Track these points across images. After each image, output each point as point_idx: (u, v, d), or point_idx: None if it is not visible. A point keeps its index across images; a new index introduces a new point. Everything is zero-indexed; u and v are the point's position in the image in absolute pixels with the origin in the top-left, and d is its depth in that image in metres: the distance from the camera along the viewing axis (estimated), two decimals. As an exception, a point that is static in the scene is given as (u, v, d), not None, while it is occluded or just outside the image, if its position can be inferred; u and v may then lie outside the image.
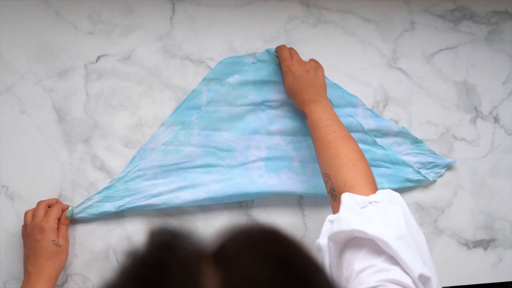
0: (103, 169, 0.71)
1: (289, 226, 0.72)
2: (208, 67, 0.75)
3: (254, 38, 0.77)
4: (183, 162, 0.71)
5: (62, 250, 0.63)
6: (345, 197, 0.51)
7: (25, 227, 0.65)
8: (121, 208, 0.69)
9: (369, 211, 0.48)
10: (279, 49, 0.72)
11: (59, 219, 0.65)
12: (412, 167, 0.73)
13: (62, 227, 0.65)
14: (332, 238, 0.48)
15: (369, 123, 0.74)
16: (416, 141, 0.74)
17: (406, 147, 0.74)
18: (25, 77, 0.73)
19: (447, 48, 0.80)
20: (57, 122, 0.72)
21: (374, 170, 0.72)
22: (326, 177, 0.58)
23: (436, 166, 0.73)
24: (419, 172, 0.73)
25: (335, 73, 0.77)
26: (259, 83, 0.73)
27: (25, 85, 0.73)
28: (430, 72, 0.79)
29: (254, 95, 0.73)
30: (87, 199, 0.69)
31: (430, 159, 0.74)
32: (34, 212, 0.65)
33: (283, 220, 0.72)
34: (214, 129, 0.72)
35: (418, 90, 0.78)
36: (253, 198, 0.72)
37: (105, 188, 0.70)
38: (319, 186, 0.71)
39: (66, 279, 0.69)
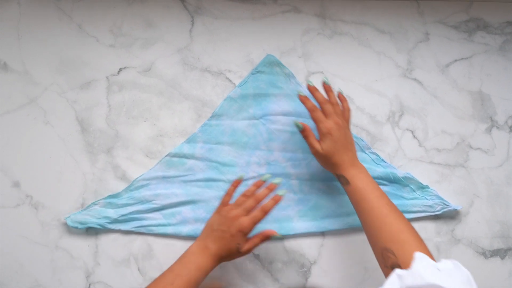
0: (124, 178, 0.73)
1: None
2: (227, 78, 0.77)
3: (271, 50, 0.79)
4: (186, 175, 0.73)
5: (237, 255, 0.63)
6: (419, 255, 0.51)
7: (231, 206, 0.64)
8: (123, 217, 0.70)
9: (442, 273, 0.48)
10: (314, 112, 0.67)
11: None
12: (409, 186, 0.74)
13: (256, 238, 0.64)
14: None
15: (375, 170, 0.74)
16: (421, 187, 0.74)
17: (413, 193, 0.74)
18: (48, 89, 0.75)
19: (462, 59, 0.81)
20: (80, 133, 0.74)
21: None
22: (388, 252, 0.55)
23: (443, 208, 0.73)
24: (414, 191, 0.74)
25: (351, 84, 0.78)
26: (258, 96, 0.75)
27: (48, 97, 0.75)
28: (445, 82, 0.80)
29: (254, 109, 0.74)
30: (92, 203, 0.71)
31: (437, 202, 0.74)
32: (246, 204, 0.63)
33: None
34: (217, 143, 0.73)
35: (433, 100, 0.79)
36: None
37: (110, 195, 0.71)
38: (315, 206, 0.72)
39: (89, 287, 0.70)
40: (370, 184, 0.61)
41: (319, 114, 0.66)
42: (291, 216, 0.72)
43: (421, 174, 0.75)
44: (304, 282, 0.71)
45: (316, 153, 0.66)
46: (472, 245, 0.74)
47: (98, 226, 0.70)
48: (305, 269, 0.72)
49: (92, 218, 0.70)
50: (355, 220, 0.72)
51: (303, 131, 0.67)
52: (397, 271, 0.49)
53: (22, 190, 0.72)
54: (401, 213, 0.59)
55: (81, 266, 0.70)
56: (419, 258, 0.50)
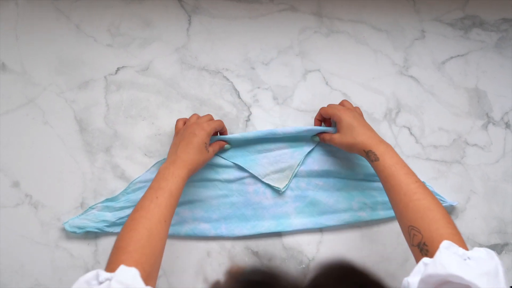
0: (123, 177, 0.73)
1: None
2: (224, 77, 0.77)
3: (269, 48, 0.79)
4: None
5: (207, 156, 0.66)
6: (446, 244, 0.50)
7: (186, 122, 0.69)
8: (121, 220, 0.70)
9: (469, 262, 0.47)
10: (322, 109, 0.72)
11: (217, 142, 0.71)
12: None
13: (216, 143, 0.70)
14: (425, 280, 0.47)
15: (370, 168, 0.73)
16: None
17: None
18: (47, 89, 0.76)
19: (458, 56, 0.81)
20: (79, 132, 0.74)
21: (367, 184, 0.74)
22: (413, 230, 0.54)
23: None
24: None
25: (348, 82, 0.79)
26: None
27: (47, 97, 0.75)
28: (441, 79, 0.80)
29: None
30: (90, 207, 0.71)
31: None
32: (200, 116, 0.70)
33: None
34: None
35: (430, 97, 0.79)
36: (248, 232, 0.72)
37: (107, 199, 0.72)
38: (312, 202, 0.73)
39: (89, 285, 0.70)
40: (400, 161, 0.61)
41: (331, 108, 0.70)
42: (288, 213, 0.73)
43: (418, 170, 0.74)
44: (302, 278, 0.72)
45: (338, 140, 0.67)
46: (469, 241, 0.75)
47: (97, 230, 0.70)
48: (303, 265, 0.72)
49: (90, 222, 0.70)
50: (352, 216, 0.72)
51: (321, 138, 0.72)
52: (424, 259, 0.49)
53: (22, 190, 0.72)
54: (430, 191, 0.58)
55: (81, 265, 0.71)
56: (446, 246, 0.49)
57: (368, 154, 0.63)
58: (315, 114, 0.77)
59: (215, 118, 0.76)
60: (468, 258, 0.48)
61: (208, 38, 0.79)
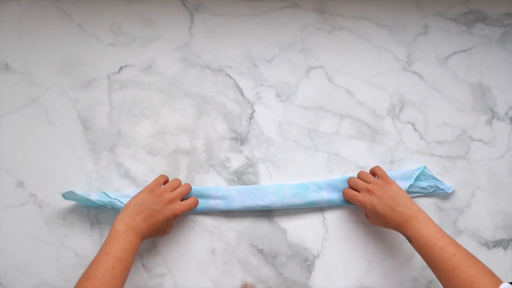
0: (127, 176, 0.73)
1: (311, 229, 0.73)
2: (227, 75, 0.77)
3: (271, 46, 0.79)
4: None
5: (160, 235, 0.67)
6: (506, 285, 0.51)
7: (165, 188, 0.66)
8: (123, 199, 0.69)
9: None
10: (345, 193, 0.71)
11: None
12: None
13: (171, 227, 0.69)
14: None
15: None
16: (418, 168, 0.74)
17: (408, 171, 0.74)
18: (50, 89, 0.76)
19: (461, 51, 0.81)
20: (82, 131, 0.74)
21: None
22: None
23: (436, 190, 0.74)
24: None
25: (351, 79, 0.79)
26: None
27: (50, 96, 0.75)
28: (444, 75, 0.80)
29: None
30: (86, 193, 0.69)
31: (431, 184, 0.74)
32: (180, 189, 0.67)
33: (304, 222, 0.73)
34: None
35: (434, 93, 0.79)
36: (260, 202, 0.72)
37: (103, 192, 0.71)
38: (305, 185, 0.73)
39: (95, 284, 0.70)
40: (431, 236, 0.60)
41: (352, 192, 0.69)
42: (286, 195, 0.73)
43: (422, 166, 0.76)
44: (308, 275, 0.72)
45: (374, 224, 0.69)
46: (474, 236, 0.75)
47: (95, 201, 0.69)
48: (308, 262, 0.72)
49: (91, 195, 0.69)
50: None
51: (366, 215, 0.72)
52: None
53: (26, 189, 0.72)
54: (471, 259, 0.58)
55: (87, 264, 0.70)
56: (506, 287, 0.51)
57: (405, 237, 0.64)
58: (318, 111, 0.77)
59: (219, 115, 0.76)
60: None
61: (210, 36, 0.79)
